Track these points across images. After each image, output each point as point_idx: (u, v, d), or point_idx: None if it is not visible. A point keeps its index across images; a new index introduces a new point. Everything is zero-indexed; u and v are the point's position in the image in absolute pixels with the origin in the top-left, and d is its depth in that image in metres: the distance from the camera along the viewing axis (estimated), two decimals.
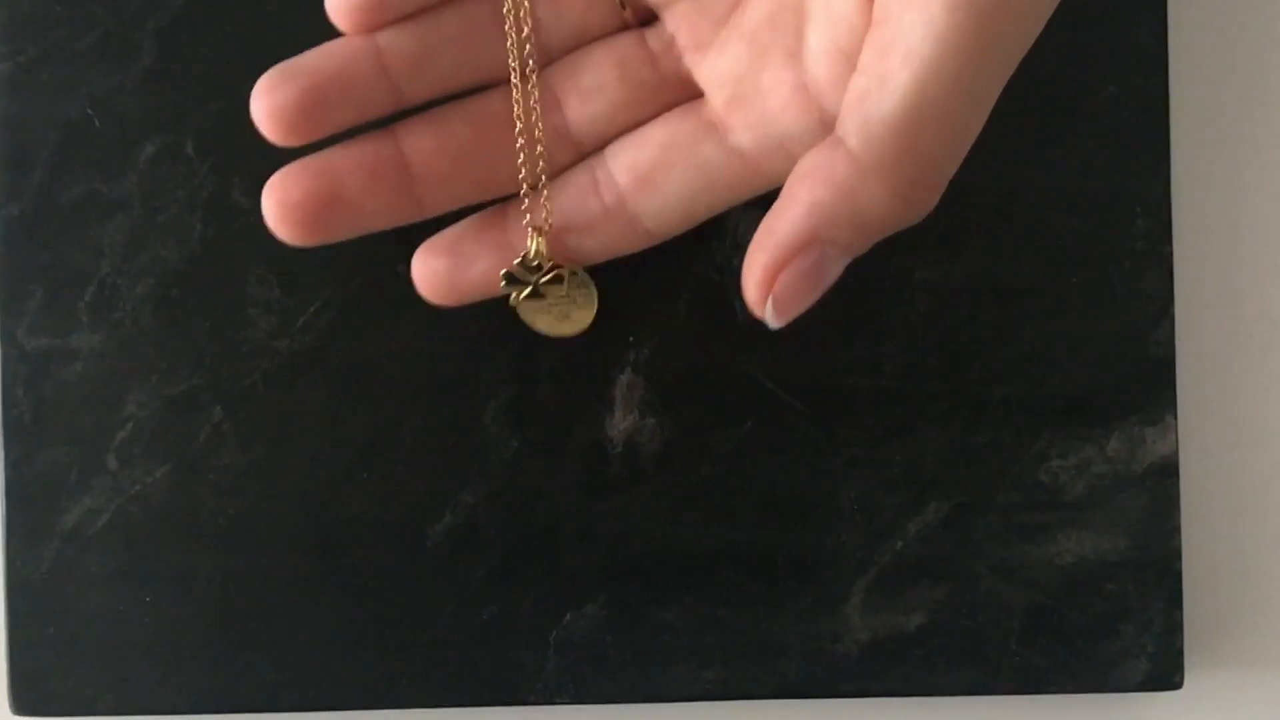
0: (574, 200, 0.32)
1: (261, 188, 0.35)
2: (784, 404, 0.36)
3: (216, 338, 0.35)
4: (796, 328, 0.35)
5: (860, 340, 0.36)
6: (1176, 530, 0.36)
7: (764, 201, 0.35)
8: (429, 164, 0.31)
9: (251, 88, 0.35)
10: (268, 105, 0.30)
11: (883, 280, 0.36)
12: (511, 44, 0.31)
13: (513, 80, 0.31)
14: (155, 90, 0.35)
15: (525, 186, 0.32)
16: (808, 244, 0.27)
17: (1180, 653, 0.36)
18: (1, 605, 0.35)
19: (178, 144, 0.35)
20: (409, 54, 0.30)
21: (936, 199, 0.28)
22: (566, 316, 0.34)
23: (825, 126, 0.29)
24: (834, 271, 0.28)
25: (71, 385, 0.35)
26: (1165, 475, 0.36)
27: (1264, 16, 0.38)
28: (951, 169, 0.27)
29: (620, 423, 0.36)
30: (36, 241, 0.35)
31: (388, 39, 0.30)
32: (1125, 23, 0.36)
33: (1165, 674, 0.36)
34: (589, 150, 0.32)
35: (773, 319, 0.28)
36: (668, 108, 0.32)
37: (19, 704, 0.35)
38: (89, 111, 0.35)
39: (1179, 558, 0.36)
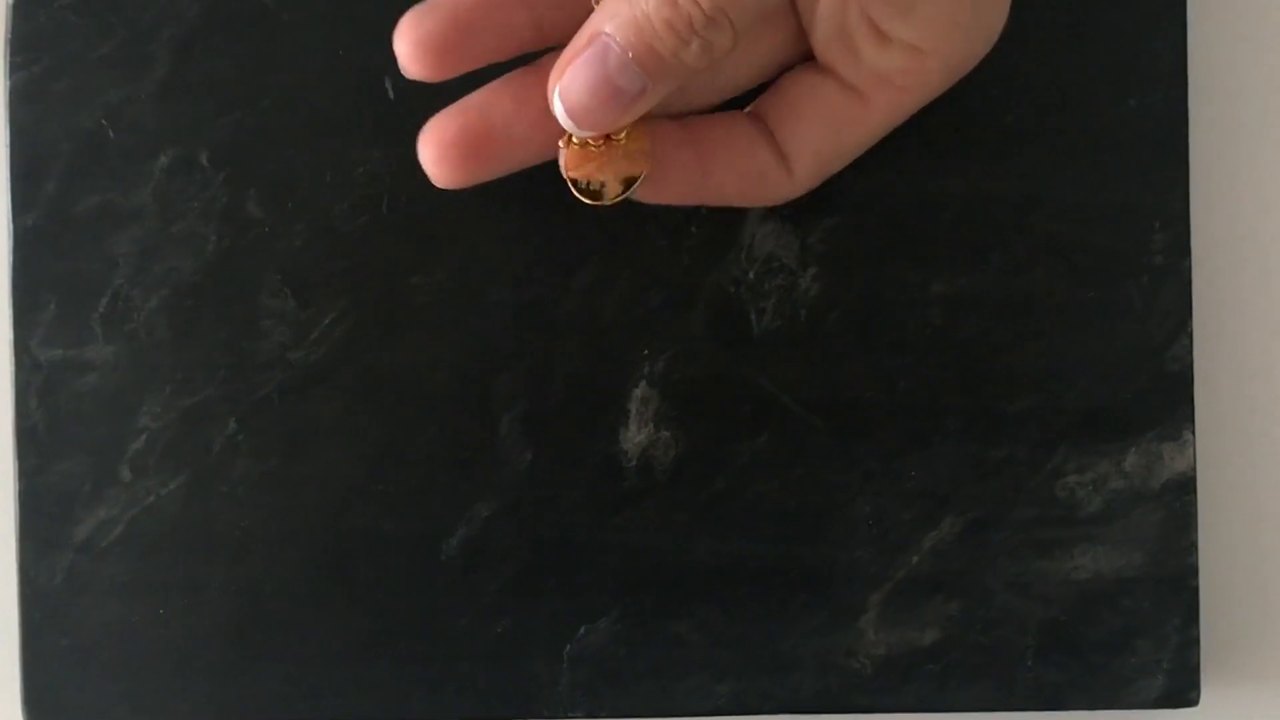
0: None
1: (276, 199, 0.35)
2: (799, 417, 0.36)
3: (231, 349, 0.35)
4: (812, 341, 0.35)
5: (876, 354, 0.36)
6: (1193, 546, 0.36)
7: (779, 214, 0.35)
8: None
9: (266, 99, 0.35)
10: (415, 36, 0.30)
11: (899, 294, 0.36)
12: None
13: None
14: (170, 101, 0.35)
15: None
16: (591, 37, 0.29)
17: (1196, 669, 0.36)
18: (15, 616, 0.35)
19: (192, 155, 0.35)
20: None
21: (719, 28, 0.29)
22: (605, 170, 0.32)
23: (913, 53, 0.31)
24: (621, 72, 0.29)
25: (85, 396, 0.35)
26: (1183, 491, 0.36)
27: None
28: (734, 8, 0.29)
29: (635, 436, 0.36)
30: (51, 252, 0.35)
31: None
32: (1144, 36, 0.35)
33: (1181, 691, 0.36)
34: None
35: (562, 116, 0.30)
36: (786, 47, 0.33)
37: (33, 714, 0.35)
38: (104, 122, 0.35)
39: (1196, 574, 0.36)
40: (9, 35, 0.35)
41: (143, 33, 0.35)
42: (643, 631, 0.36)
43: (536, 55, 0.32)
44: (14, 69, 0.35)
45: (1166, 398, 0.36)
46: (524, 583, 0.36)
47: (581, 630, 0.36)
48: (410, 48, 0.30)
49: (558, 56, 0.31)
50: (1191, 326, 0.36)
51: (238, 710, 0.35)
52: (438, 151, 0.31)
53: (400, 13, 0.35)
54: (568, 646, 0.36)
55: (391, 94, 0.35)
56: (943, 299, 0.36)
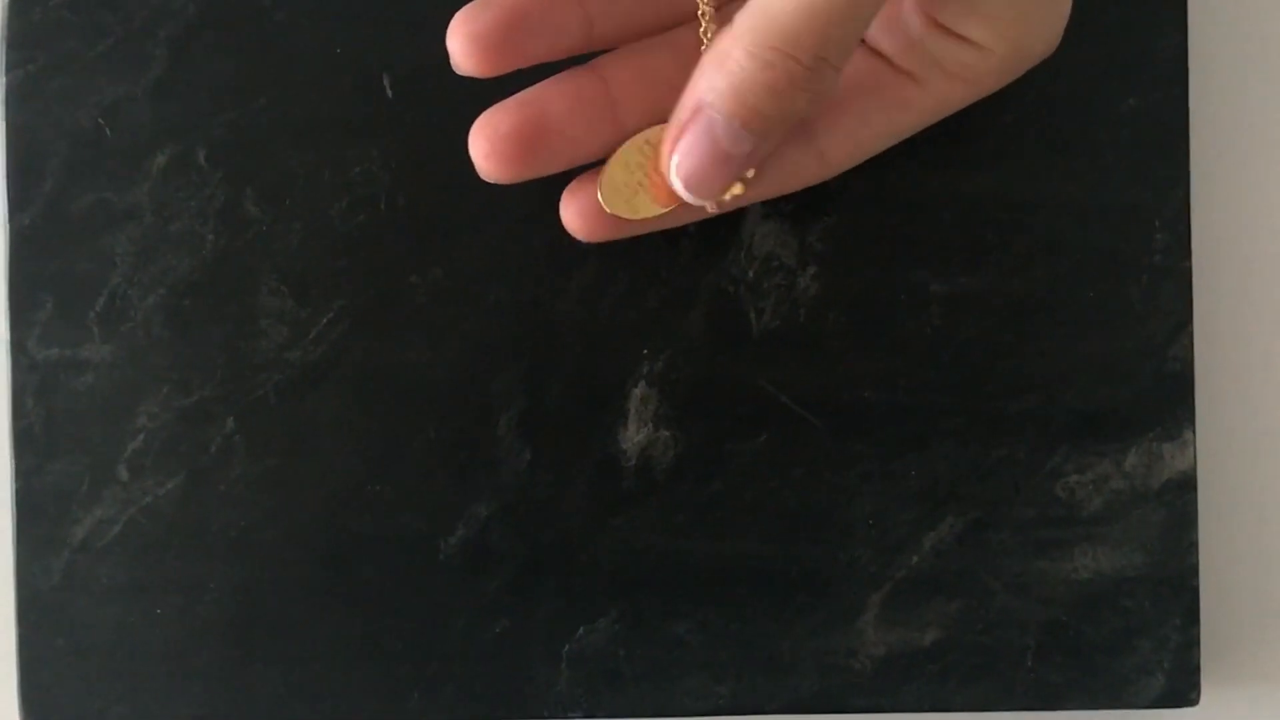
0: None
1: (274, 198, 0.35)
2: (798, 417, 0.36)
3: (228, 349, 0.35)
4: (811, 341, 0.35)
5: (876, 354, 0.36)
6: (1194, 546, 0.36)
7: (778, 213, 0.35)
8: (629, 89, 0.31)
9: (264, 97, 0.35)
10: (468, 32, 0.30)
11: (898, 294, 0.36)
12: None
13: (703, 8, 0.31)
14: (167, 99, 0.35)
15: None
16: (694, 110, 0.29)
17: (1197, 669, 0.36)
18: (12, 617, 0.35)
19: (189, 153, 0.35)
20: None
21: (821, 75, 0.29)
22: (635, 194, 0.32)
23: (975, 48, 0.31)
24: (731, 140, 0.29)
25: (82, 396, 0.35)
26: (1183, 491, 0.36)
27: None
28: (824, 48, 0.28)
29: (634, 435, 0.36)
30: (47, 251, 0.35)
31: None
32: (1145, 35, 0.35)
33: (1181, 691, 0.36)
34: None
35: (680, 188, 0.30)
36: None
37: (30, 715, 0.35)
38: (100, 121, 0.35)
39: (1196, 574, 0.36)
40: (5, 33, 0.35)
41: (139, 31, 0.35)
42: (642, 632, 0.35)
43: (587, 57, 0.32)
44: (10, 67, 0.35)
45: (1167, 397, 0.36)
46: (522, 583, 0.35)
47: (580, 630, 0.36)
48: (463, 43, 0.30)
49: (612, 58, 0.31)
50: (1192, 326, 0.36)
51: (235, 711, 0.35)
52: (490, 146, 0.31)
53: (398, 11, 0.35)
54: (566, 647, 0.36)
55: (390, 92, 0.35)
56: (942, 298, 0.36)
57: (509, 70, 0.31)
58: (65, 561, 0.35)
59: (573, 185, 0.33)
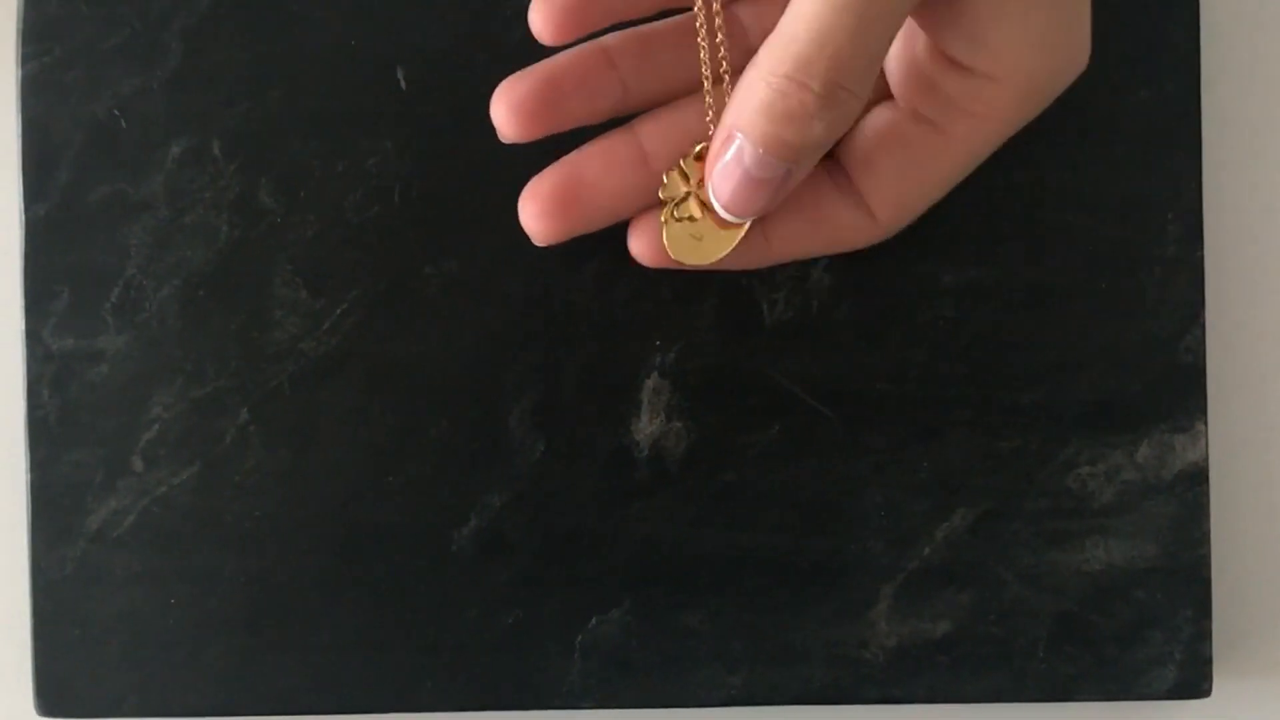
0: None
1: (288, 189, 0.35)
2: (810, 408, 0.36)
3: (243, 340, 0.35)
4: (824, 332, 0.35)
5: (888, 345, 0.36)
6: (1206, 538, 0.36)
7: None
8: (659, 141, 0.33)
9: (278, 89, 0.35)
10: (508, 101, 0.32)
11: (910, 284, 0.36)
12: (719, 44, 0.32)
13: (722, 75, 0.32)
14: (182, 91, 0.35)
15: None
16: (726, 136, 0.30)
17: (1209, 661, 0.36)
18: (27, 607, 0.35)
19: (204, 145, 0.35)
20: (632, 50, 0.33)
21: (835, 100, 0.29)
22: (699, 239, 0.33)
23: (987, 80, 0.31)
24: (758, 166, 0.30)
25: (97, 386, 0.35)
26: (1195, 482, 0.36)
27: None
28: (837, 74, 0.29)
29: (646, 426, 0.36)
30: (62, 242, 0.35)
31: (612, 41, 0.32)
32: (1158, 26, 0.35)
33: (1194, 682, 0.36)
34: None
35: (720, 209, 0.31)
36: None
37: (45, 705, 0.35)
38: (115, 112, 0.35)
39: (1208, 565, 0.36)
40: (21, 25, 0.35)
41: (154, 22, 0.35)
42: (654, 622, 0.36)
43: (628, 118, 0.33)
44: (25, 59, 0.35)
45: (1179, 388, 0.36)
46: (535, 573, 0.36)
47: (592, 621, 0.36)
48: (504, 112, 0.32)
49: (647, 118, 0.33)
50: (1204, 317, 0.36)
51: (248, 700, 0.35)
52: (536, 207, 0.32)
53: (412, 3, 0.35)
54: (579, 637, 0.36)
55: (404, 84, 0.35)
56: (954, 290, 0.36)
57: (549, 133, 0.32)
58: (80, 551, 0.35)
59: (637, 223, 0.33)
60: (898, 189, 0.33)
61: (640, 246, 0.33)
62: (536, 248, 0.35)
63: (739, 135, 0.30)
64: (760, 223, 0.33)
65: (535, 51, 0.32)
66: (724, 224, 0.32)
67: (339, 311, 0.35)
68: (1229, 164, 0.38)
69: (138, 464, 0.35)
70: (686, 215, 0.32)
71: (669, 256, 0.33)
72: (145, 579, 0.35)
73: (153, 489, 0.35)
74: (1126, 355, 0.36)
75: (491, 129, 0.32)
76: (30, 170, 0.35)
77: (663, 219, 0.32)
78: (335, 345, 0.35)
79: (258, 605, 0.35)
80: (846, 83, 0.29)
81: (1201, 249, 0.36)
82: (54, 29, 0.35)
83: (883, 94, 0.33)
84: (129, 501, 0.35)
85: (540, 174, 0.33)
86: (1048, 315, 0.36)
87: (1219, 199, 0.38)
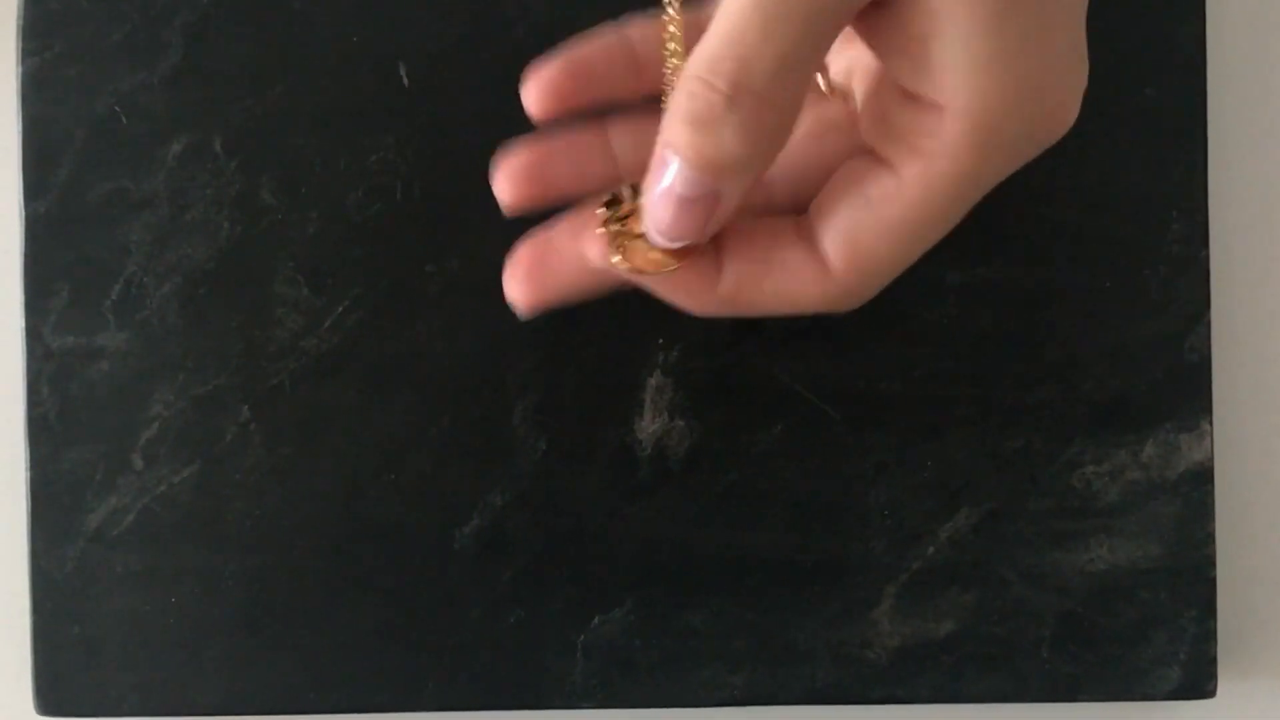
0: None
1: (290, 186, 0.35)
2: (814, 408, 0.36)
3: (244, 337, 0.35)
4: (827, 332, 0.35)
5: (891, 344, 0.35)
6: (1211, 538, 0.36)
7: None
8: (625, 140, 0.32)
9: (280, 86, 0.35)
10: (505, 168, 0.32)
11: (914, 283, 0.35)
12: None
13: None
14: (183, 87, 0.35)
15: None
16: (660, 153, 0.28)
17: (1213, 661, 0.36)
18: (27, 605, 0.35)
19: (205, 142, 0.35)
20: (629, 134, 0.32)
21: (740, 104, 0.27)
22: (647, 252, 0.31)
23: (930, 109, 0.28)
24: (682, 183, 0.28)
25: (97, 384, 0.35)
26: (1200, 482, 0.36)
27: None
28: (743, 74, 0.27)
29: (649, 425, 0.35)
30: (63, 239, 0.35)
31: (611, 125, 0.32)
32: (1163, 25, 0.35)
33: (1198, 682, 0.36)
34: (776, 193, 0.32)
35: (652, 233, 0.29)
36: (843, 139, 0.32)
37: (44, 704, 0.35)
38: (116, 109, 0.35)
39: (1213, 565, 0.36)
40: (21, 21, 0.35)
41: (155, 18, 0.35)
42: (657, 622, 0.35)
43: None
44: (26, 55, 0.35)
45: (1184, 388, 0.35)
46: (537, 573, 0.35)
47: (595, 620, 0.35)
48: (500, 179, 0.32)
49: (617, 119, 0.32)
50: (1209, 316, 0.35)
51: (249, 699, 0.35)
52: (512, 273, 0.32)
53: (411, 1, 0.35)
54: (581, 636, 0.35)
55: (406, 81, 0.35)
56: (959, 289, 0.36)
57: (543, 201, 0.32)
58: (80, 550, 0.35)
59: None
60: (849, 233, 0.29)
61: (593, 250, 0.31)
62: None
63: (668, 150, 0.28)
64: (716, 252, 0.30)
65: (535, 49, 0.32)
66: (668, 251, 0.30)
67: (340, 309, 0.35)
68: (1234, 163, 0.38)
69: (138, 462, 0.35)
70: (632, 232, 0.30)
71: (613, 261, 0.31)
72: (145, 577, 0.35)
73: (153, 487, 0.35)
74: (1131, 354, 0.35)
75: (493, 127, 0.32)
76: (30, 167, 0.35)
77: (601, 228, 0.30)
78: (337, 343, 0.35)
79: (258, 603, 0.35)
80: (755, 84, 0.26)
81: (1206, 248, 0.35)
82: (55, 25, 0.35)
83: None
84: (129, 500, 0.35)
85: (522, 241, 0.32)
86: (1052, 315, 0.35)
87: (1224, 198, 0.37)
